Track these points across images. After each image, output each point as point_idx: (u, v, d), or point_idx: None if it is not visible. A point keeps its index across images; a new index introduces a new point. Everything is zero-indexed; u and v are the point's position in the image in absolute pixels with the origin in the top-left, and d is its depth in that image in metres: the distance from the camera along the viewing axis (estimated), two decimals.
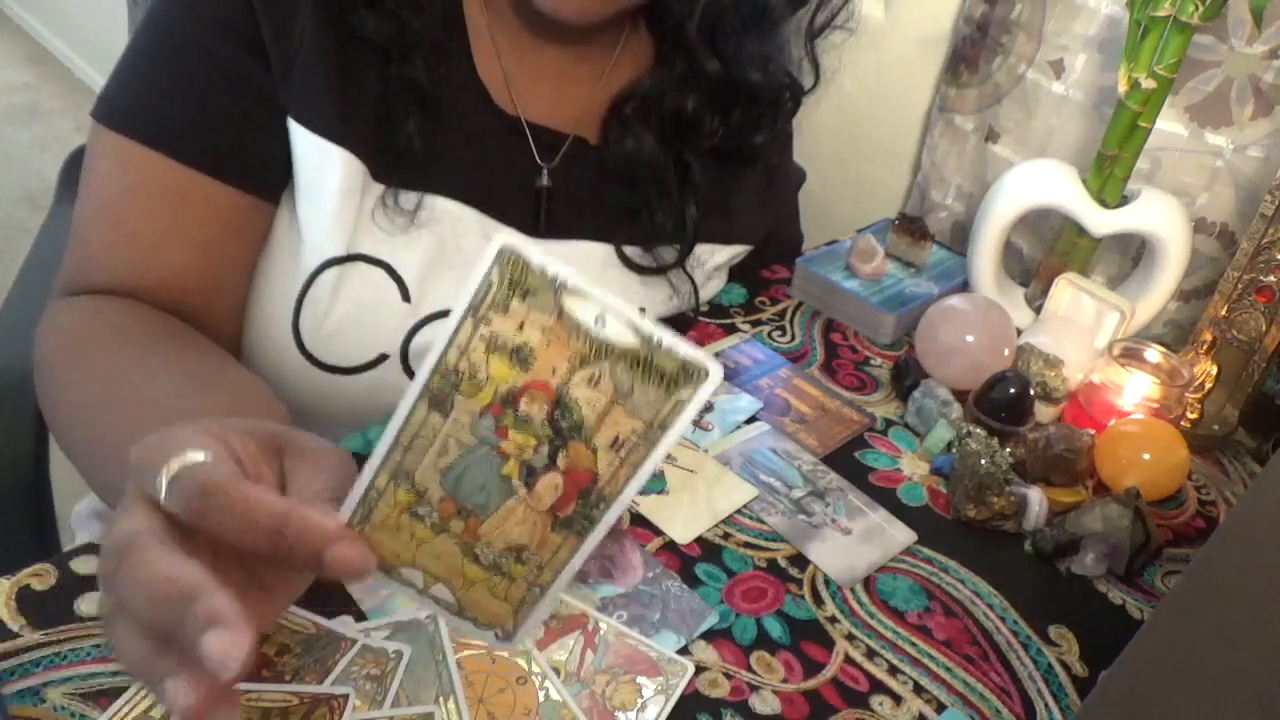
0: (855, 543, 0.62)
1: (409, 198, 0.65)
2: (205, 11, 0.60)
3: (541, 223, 0.72)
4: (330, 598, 0.51)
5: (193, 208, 0.61)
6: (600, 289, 0.34)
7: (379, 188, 0.64)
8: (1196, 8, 0.71)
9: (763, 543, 0.61)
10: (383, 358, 0.66)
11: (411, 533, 0.36)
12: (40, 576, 0.50)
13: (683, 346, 0.33)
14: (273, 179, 0.64)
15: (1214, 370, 0.76)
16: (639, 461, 0.34)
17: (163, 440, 0.36)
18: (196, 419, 0.47)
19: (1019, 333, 0.78)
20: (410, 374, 0.67)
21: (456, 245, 0.67)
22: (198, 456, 0.35)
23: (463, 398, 0.35)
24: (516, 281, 0.34)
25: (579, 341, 0.34)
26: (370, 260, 0.64)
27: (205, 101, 0.61)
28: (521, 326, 0.34)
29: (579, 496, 0.35)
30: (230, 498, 0.33)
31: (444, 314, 0.67)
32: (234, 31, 0.60)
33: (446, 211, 0.67)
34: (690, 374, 0.33)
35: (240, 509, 0.33)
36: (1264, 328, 0.74)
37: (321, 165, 0.62)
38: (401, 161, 0.64)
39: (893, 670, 0.54)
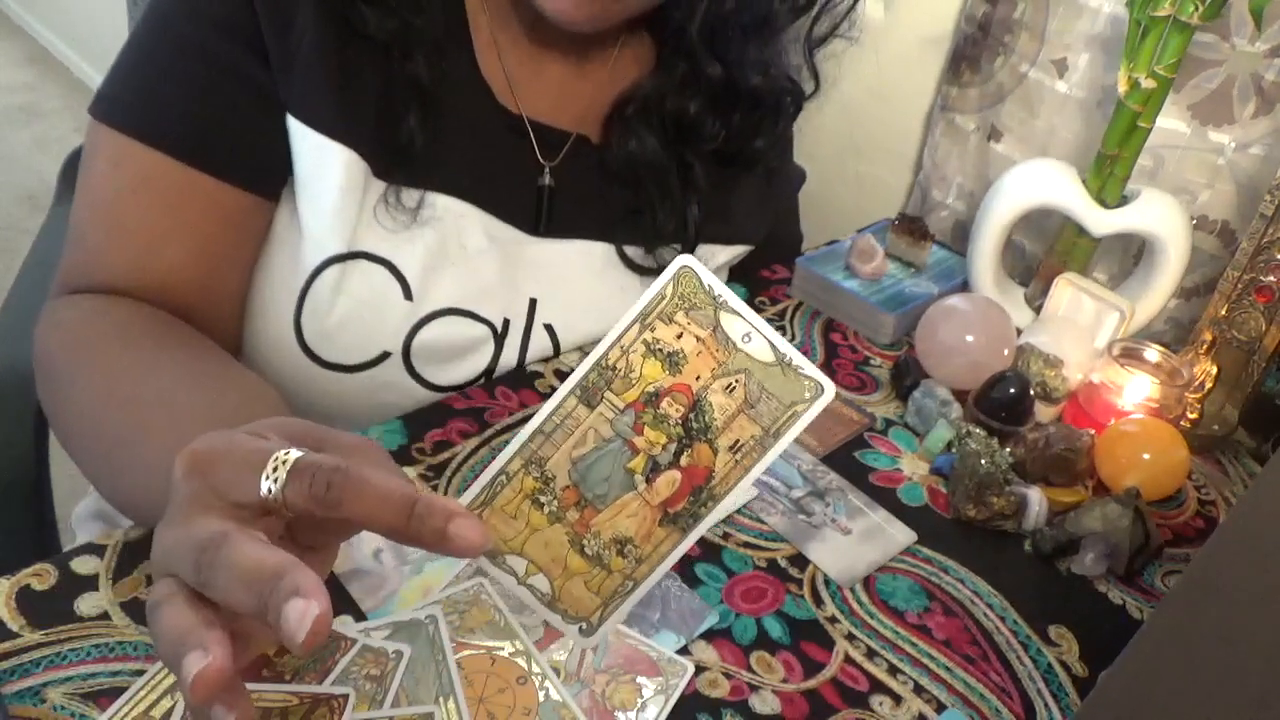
0: (855, 543, 0.62)
1: (411, 195, 0.65)
2: (204, 8, 0.60)
3: (543, 221, 0.72)
4: (330, 598, 0.51)
5: (191, 206, 0.61)
6: (751, 311, 0.39)
7: (381, 185, 0.64)
8: (1196, 7, 0.71)
9: (763, 543, 0.61)
10: (385, 355, 0.66)
11: (528, 520, 0.39)
12: (40, 576, 0.50)
13: (808, 366, 0.38)
14: (272, 177, 0.63)
15: (1214, 370, 0.76)
16: (750, 465, 0.39)
17: (220, 443, 0.37)
18: (206, 416, 0.47)
19: (1019, 333, 0.78)
20: (412, 371, 0.68)
21: (459, 243, 0.67)
22: (297, 453, 0.36)
23: (612, 394, 0.39)
24: (686, 296, 0.39)
25: (725, 353, 0.39)
26: (372, 258, 0.64)
27: (204, 100, 0.60)
28: (680, 336, 0.39)
29: (691, 493, 0.39)
30: (363, 483, 0.35)
31: (446, 312, 0.67)
32: (233, 29, 0.60)
33: (448, 209, 0.67)
34: (809, 389, 0.38)
35: (373, 492, 0.35)
36: (1264, 328, 0.74)
37: (322, 162, 0.62)
38: (403, 159, 0.64)
39: (893, 670, 0.54)
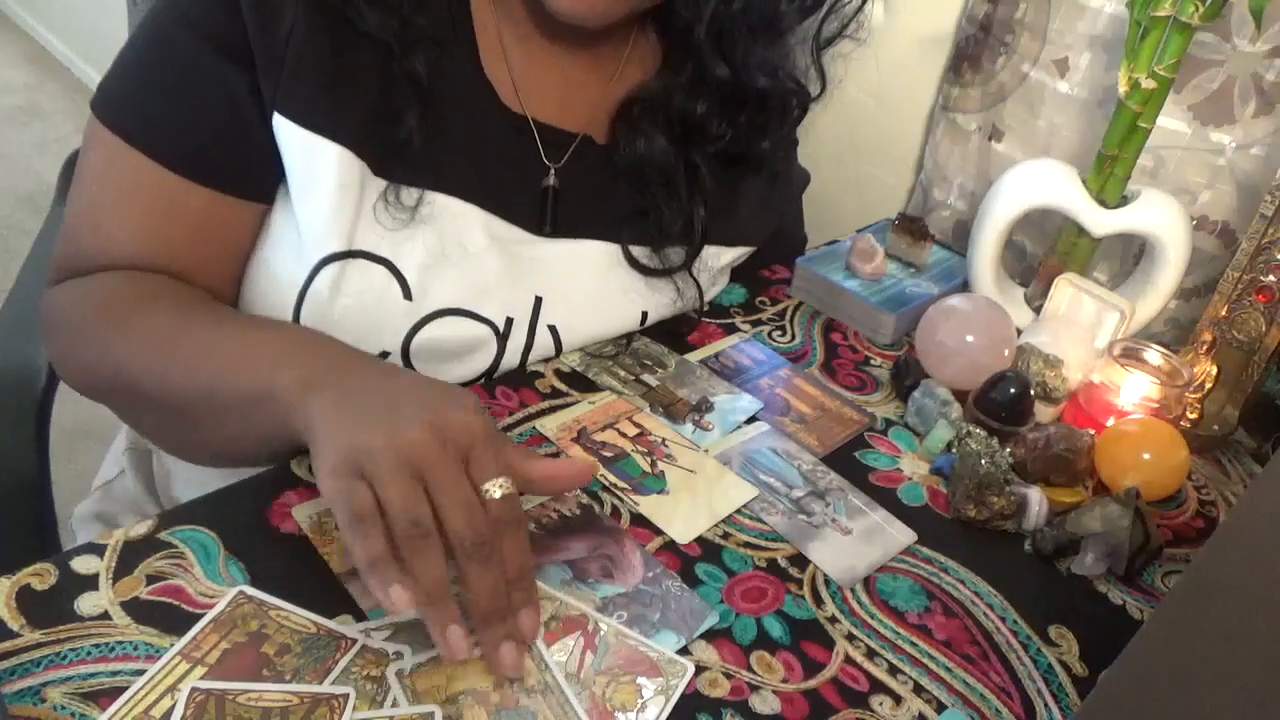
0: (855, 543, 0.62)
1: (410, 194, 0.65)
2: (193, 18, 0.61)
3: (548, 222, 0.72)
4: (330, 598, 0.51)
5: (178, 211, 0.62)
6: None
7: (381, 183, 0.65)
8: (1196, 8, 0.71)
9: (763, 543, 0.61)
10: (384, 355, 0.66)
11: None
12: (40, 576, 0.50)
13: None
14: (262, 182, 0.64)
15: (1214, 370, 0.76)
16: None
17: (498, 440, 0.50)
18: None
19: (1019, 333, 0.78)
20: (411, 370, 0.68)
21: (458, 243, 0.67)
22: (511, 487, 0.49)
23: None
24: None
25: None
26: (371, 257, 0.64)
27: (190, 110, 0.61)
28: None
29: None
30: (525, 536, 0.50)
31: (447, 312, 0.67)
32: (221, 39, 0.60)
33: (447, 208, 0.67)
34: None
35: (525, 545, 0.49)
36: (1264, 328, 0.74)
37: (315, 161, 0.62)
38: (402, 157, 0.64)
39: (893, 670, 0.54)
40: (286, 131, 0.62)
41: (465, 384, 0.70)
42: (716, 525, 0.61)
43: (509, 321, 0.70)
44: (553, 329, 0.72)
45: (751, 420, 0.71)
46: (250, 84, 0.61)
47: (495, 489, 0.48)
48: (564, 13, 0.63)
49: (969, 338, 0.74)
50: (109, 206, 0.63)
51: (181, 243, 0.63)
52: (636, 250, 0.75)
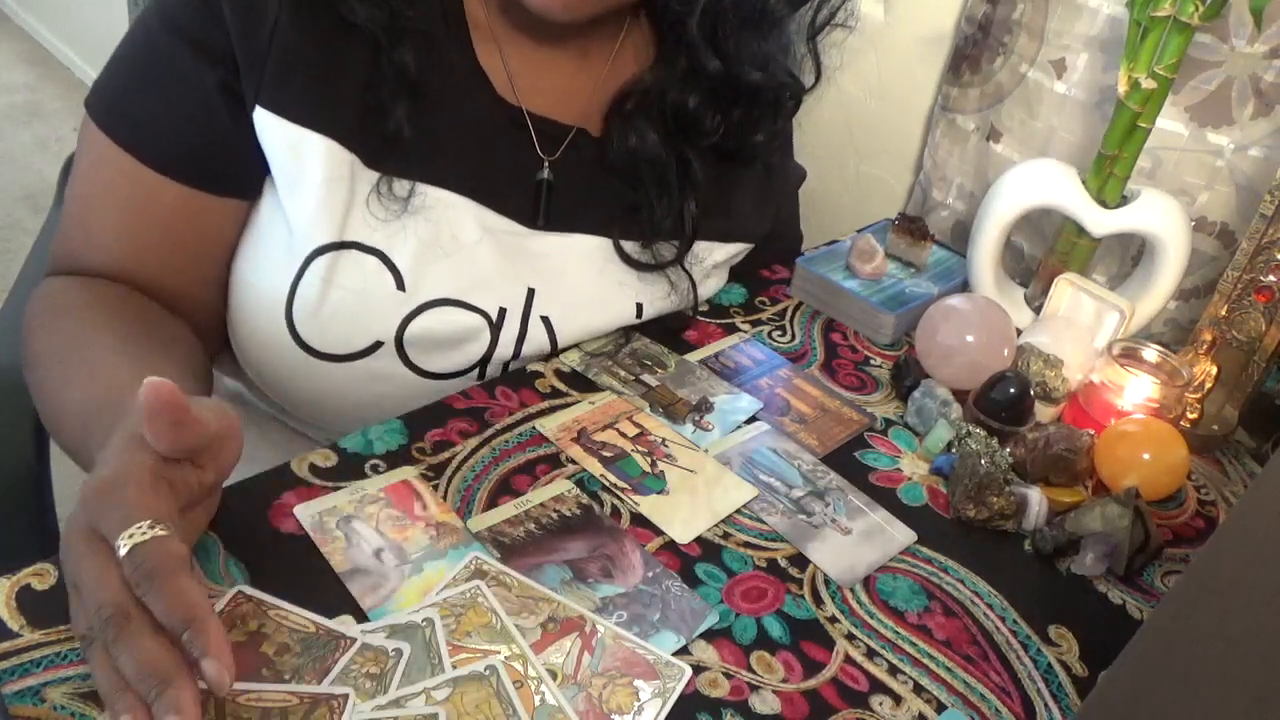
0: (855, 543, 0.61)
1: (402, 185, 0.65)
2: (177, 19, 0.61)
3: (541, 215, 0.72)
4: (330, 597, 0.51)
5: (160, 209, 0.63)
6: None
7: (374, 175, 0.65)
8: (1196, 8, 0.71)
9: (763, 543, 0.61)
10: (377, 345, 0.66)
11: None
12: (40, 576, 0.50)
13: None
14: (236, 179, 0.65)
15: (1214, 370, 0.76)
16: None
17: (113, 491, 0.43)
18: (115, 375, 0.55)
19: (1019, 333, 0.78)
20: (406, 361, 0.68)
21: (451, 234, 0.68)
22: (159, 531, 0.42)
23: None
24: None
25: None
26: (363, 248, 0.65)
27: (174, 111, 0.62)
28: None
29: None
30: (170, 585, 0.41)
31: (440, 302, 0.67)
32: (200, 41, 0.61)
33: (440, 200, 0.67)
34: None
35: (171, 595, 0.41)
36: (1264, 328, 0.74)
37: (301, 155, 0.62)
38: (393, 149, 0.64)
39: (893, 670, 0.54)
40: (270, 127, 0.62)
41: (460, 372, 0.70)
42: (716, 525, 0.61)
43: (502, 312, 0.70)
44: (546, 320, 0.72)
45: (751, 420, 0.71)
46: (224, 82, 0.61)
47: (123, 543, 0.42)
48: (534, 7, 0.64)
49: (969, 338, 0.74)
50: (93, 203, 0.64)
51: (155, 240, 0.64)
52: (628, 245, 0.75)
